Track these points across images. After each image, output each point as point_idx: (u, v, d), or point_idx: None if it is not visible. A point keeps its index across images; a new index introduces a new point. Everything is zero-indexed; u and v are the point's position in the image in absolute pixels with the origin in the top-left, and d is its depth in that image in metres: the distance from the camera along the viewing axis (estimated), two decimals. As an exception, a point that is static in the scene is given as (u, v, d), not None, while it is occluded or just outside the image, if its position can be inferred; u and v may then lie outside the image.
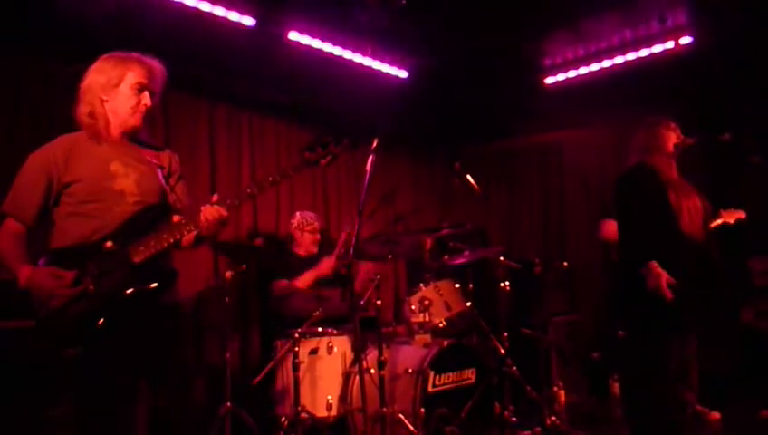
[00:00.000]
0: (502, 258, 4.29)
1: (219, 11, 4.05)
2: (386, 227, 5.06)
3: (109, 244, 2.13)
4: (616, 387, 4.78)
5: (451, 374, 3.60)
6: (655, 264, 2.84)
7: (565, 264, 5.42)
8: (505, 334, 4.10)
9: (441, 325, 3.92)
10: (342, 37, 4.64)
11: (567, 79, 5.32)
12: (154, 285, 2.15)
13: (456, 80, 5.31)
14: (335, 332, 3.80)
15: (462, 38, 4.69)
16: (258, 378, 3.74)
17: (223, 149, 4.82)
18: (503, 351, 4.02)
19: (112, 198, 2.20)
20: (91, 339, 2.07)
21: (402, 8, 4.00)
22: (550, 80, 5.38)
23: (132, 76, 2.28)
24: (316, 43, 4.55)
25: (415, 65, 5.11)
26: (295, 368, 3.58)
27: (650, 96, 4.93)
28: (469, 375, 3.69)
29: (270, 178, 2.32)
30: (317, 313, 3.71)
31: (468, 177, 4.26)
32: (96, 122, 2.26)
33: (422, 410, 3.38)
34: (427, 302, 3.88)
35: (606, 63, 5.09)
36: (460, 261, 4.16)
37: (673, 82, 4.92)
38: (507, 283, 4.28)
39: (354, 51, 4.78)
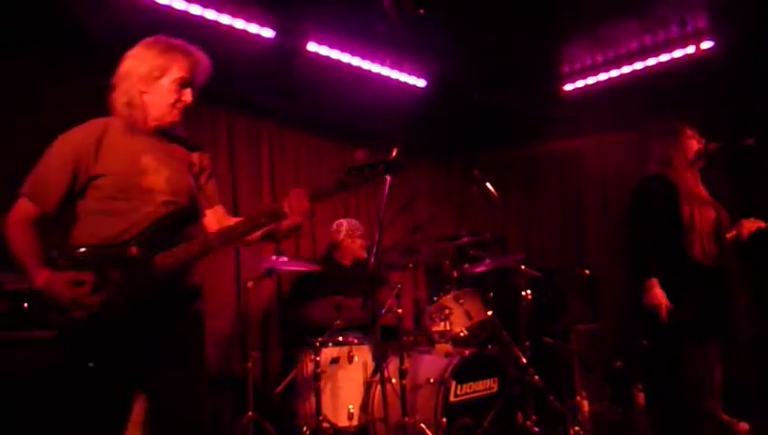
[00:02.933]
0: (522, 266, 4.26)
1: (239, 23, 4.11)
2: (405, 236, 5.06)
3: (134, 250, 2.01)
4: (640, 397, 4.70)
5: (473, 384, 3.58)
6: (655, 282, 2.85)
7: (586, 271, 5.36)
8: (527, 343, 4.07)
9: (462, 334, 3.91)
10: (360, 47, 4.67)
11: (586, 85, 5.29)
12: (180, 298, 2.08)
13: (475, 87, 5.31)
14: (356, 341, 3.80)
15: (480, 46, 4.70)
16: (280, 387, 3.76)
17: (243, 160, 4.86)
18: (524, 360, 3.98)
19: (141, 196, 2.05)
20: (112, 351, 1.97)
21: (420, 17, 4.02)
22: (569, 86, 5.36)
23: (176, 70, 2.11)
24: (335, 54, 4.59)
25: (433, 74, 5.12)
26: (316, 377, 3.58)
27: (671, 102, 4.88)
28: (491, 385, 3.67)
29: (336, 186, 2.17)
30: (338, 322, 3.72)
31: (487, 184, 4.25)
32: (132, 113, 2.10)
33: (444, 419, 3.36)
34: (447, 311, 3.87)
35: (625, 69, 5.05)
36: (480, 269, 4.14)
37: (695, 87, 4.86)
38: (528, 291, 4.25)
39: (372, 61, 4.81)
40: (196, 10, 3.95)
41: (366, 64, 4.78)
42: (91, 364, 1.94)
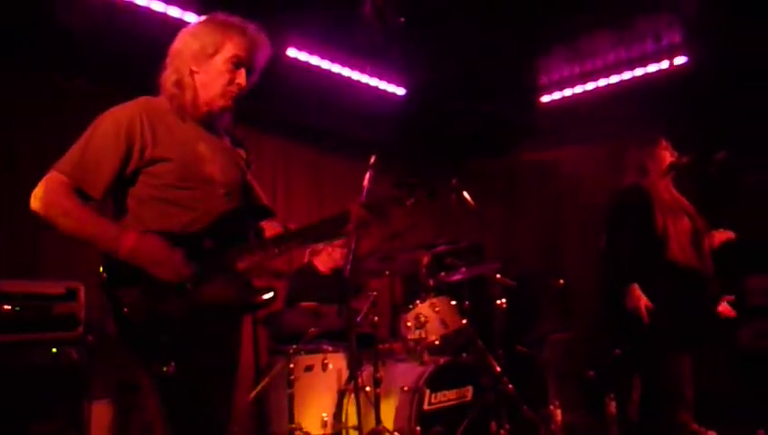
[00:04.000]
0: (498, 275, 4.28)
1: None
2: (382, 243, 5.06)
3: (208, 242, 1.80)
4: (612, 406, 4.75)
5: (447, 392, 3.57)
6: (636, 286, 2.90)
7: (561, 281, 5.41)
8: (501, 352, 4.08)
9: (437, 343, 3.90)
10: (340, 54, 4.68)
11: (563, 97, 5.36)
12: (269, 295, 1.86)
13: (453, 97, 5.34)
14: (331, 348, 3.78)
15: (459, 56, 4.74)
16: (252, 394, 3.71)
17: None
18: (498, 369, 3.99)
19: (203, 186, 1.85)
20: (182, 349, 1.71)
21: (401, 26, 4.04)
22: (547, 98, 5.42)
23: (230, 48, 1.89)
24: (315, 60, 4.58)
25: (412, 83, 5.14)
26: (290, 384, 3.55)
27: (646, 115, 4.96)
28: (465, 393, 3.67)
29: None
30: (313, 329, 3.69)
31: (465, 193, 4.26)
32: (183, 94, 1.88)
33: (418, 428, 3.35)
34: (423, 319, 3.87)
35: (602, 82, 5.14)
36: (456, 278, 4.15)
37: (668, 100, 4.96)
38: (503, 300, 4.26)
39: (352, 68, 4.81)
40: (174, 12, 3.92)
41: (345, 71, 4.78)
42: (167, 369, 1.69)
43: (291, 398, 3.54)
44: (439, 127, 5.78)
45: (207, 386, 1.81)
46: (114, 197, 1.84)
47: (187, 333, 1.73)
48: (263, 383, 3.73)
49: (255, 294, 1.85)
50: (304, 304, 3.91)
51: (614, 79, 5.05)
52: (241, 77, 1.92)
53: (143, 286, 1.71)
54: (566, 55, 5.04)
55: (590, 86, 5.20)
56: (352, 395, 3.47)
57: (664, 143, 3.21)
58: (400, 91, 5.17)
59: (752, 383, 4.62)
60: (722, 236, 3.24)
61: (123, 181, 1.81)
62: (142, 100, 1.90)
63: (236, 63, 1.91)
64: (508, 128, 5.74)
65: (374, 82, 5.00)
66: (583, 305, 5.59)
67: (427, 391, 3.46)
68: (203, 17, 1.97)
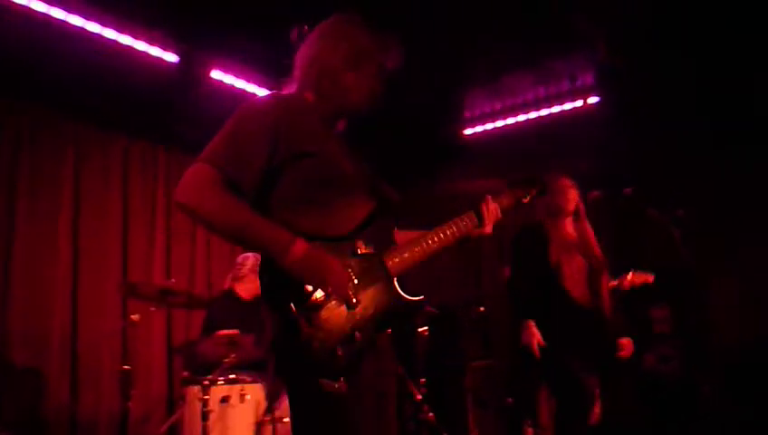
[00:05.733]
0: (420, 304, 4.31)
1: (141, 45, 3.97)
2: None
3: (362, 244, 1.68)
4: (530, 432, 4.85)
5: (367, 422, 3.53)
6: (531, 323, 3.05)
7: (481, 308, 5.52)
8: (423, 380, 4.10)
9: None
10: (265, 78, 4.65)
11: (485, 131, 5.54)
12: (419, 298, 1.76)
13: (379, 126, 5.40)
14: (249, 379, 3.66)
15: (386, 87, 4.81)
16: (163, 428, 3.54)
17: (137, 186, 4.66)
18: (419, 397, 4.00)
19: (348, 185, 1.74)
20: (352, 365, 1.59)
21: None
22: (469, 131, 5.59)
23: (385, 58, 1.83)
24: (240, 84, 4.54)
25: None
26: (204, 417, 3.40)
27: (561, 150, 5.20)
28: (385, 422, 3.64)
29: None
30: (229, 358, 3.57)
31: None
32: (332, 92, 1.78)
33: (337, 459, 3.29)
34: (344, 347, 3.83)
35: (521, 118, 5.35)
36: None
37: (581, 137, 5.22)
38: (425, 328, 4.30)
39: (278, 93, 4.79)
40: (93, 27, 3.79)
41: (271, 96, 4.75)
42: (336, 385, 1.56)
43: (205, 431, 3.39)
44: (365, 157, 5.81)
45: (369, 406, 1.68)
46: (255, 196, 1.64)
47: (355, 347, 1.60)
48: (175, 416, 3.57)
49: (407, 300, 1.75)
50: (222, 332, 3.79)
51: (532, 115, 5.28)
52: (382, 88, 1.85)
53: (305, 297, 1.56)
54: (488, 92, 5.24)
55: (510, 121, 5.41)
56: (270, 427, 3.37)
57: (567, 182, 3.37)
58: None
59: (655, 405, 4.85)
60: (639, 278, 3.42)
61: (268, 178, 1.65)
62: (276, 94, 1.81)
63: (384, 75, 1.84)
64: (433, 159, 5.86)
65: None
66: (502, 333, 5.71)
67: (347, 422, 3.41)
68: (349, 17, 1.85)
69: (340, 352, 1.56)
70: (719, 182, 4.81)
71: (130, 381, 3.55)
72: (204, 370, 3.61)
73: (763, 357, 4.48)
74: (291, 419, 1.70)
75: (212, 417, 3.46)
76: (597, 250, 3.31)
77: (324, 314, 1.57)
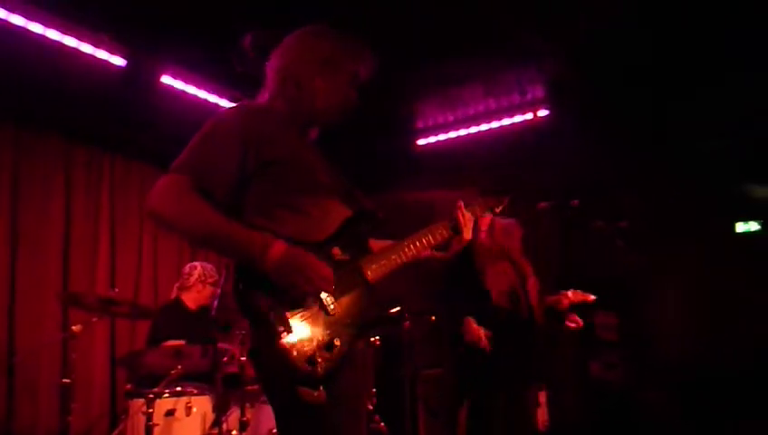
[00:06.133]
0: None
1: (86, 48, 3.86)
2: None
3: (338, 251, 1.65)
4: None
5: (317, 433, 3.50)
6: (471, 320, 3.10)
7: (433, 317, 5.54)
8: (374, 390, 4.09)
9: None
10: (217, 84, 4.58)
11: (437, 141, 5.60)
12: (396, 310, 1.78)
13: (330, 134, 5.40)
14: (195, 391, 3.57)
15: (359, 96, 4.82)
16: (105, 443, 3.42)
17: (80, 192, 4.52)
18: (371, 407, 3.99)
19: (322, 192, 1.72)
20: (328, 373, 1.55)
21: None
22: (422, 141, 5.64)
23: (358, 67, 1.83)
24: (191, 89, 4.46)
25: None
26: (148, 431, 3.30)
27: (511, 162, 5.30)
28: (336, 433, 3.61)
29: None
30: (176, 370, 3.48)
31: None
32: (300, 96, 1.77)
33: (285, 472, 3.24)
34: (294, 357, 3.79)
35: (473, 129, 5.43)
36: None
37: (531, 149, 5.34)
38: (377, 337, 4.29)
39: (230, 100, 4.72)
40: (36, 28, 3.66)
41: (223, 102, 4.68)
42: (316, 395, 1.52)
43: (148, 446, 3.29)
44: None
45: (346, 418, 1.62)
46: (229, 205, 1.62)
47: (334, 355, 1.56)
48: (117, 431, 3.45)
49: (384, 308, 1.74)
50: (169, 343, 3.69)
51: (484, 127, 5.37)
52: (354, 98, 1.85)
53: (284, 301, 1.54)
54: (441, 103, 5.31)
55: (462, 132, 5.48)
56: (217, 440, 3.30)
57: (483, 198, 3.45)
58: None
59: (600, 412, 4.97)
60: (578, 297, 3.48)
61: (241, 186, 1.64)
62: (247, 103, 1.81)
63: (355, 84, 1.84)
64: (385, 168, 5.88)
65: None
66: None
67: None
68: (319, 27, 1.85)
69: (319, 360, 1.53)
70: (664, 194, 4.99)
71: (70, 394, 3.39)
72: (149, 382, 3.51)
73: (704, 365, 4.65)
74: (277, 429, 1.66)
75: (156, 431, 3.36)
76: (521, 257, 3.40)
77: (302, 319, 1.54)
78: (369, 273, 1.71)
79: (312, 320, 1.55)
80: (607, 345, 5.25)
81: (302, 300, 1.56)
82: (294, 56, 1.81)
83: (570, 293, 3.45)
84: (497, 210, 2.20)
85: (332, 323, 1.58)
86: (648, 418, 4.67)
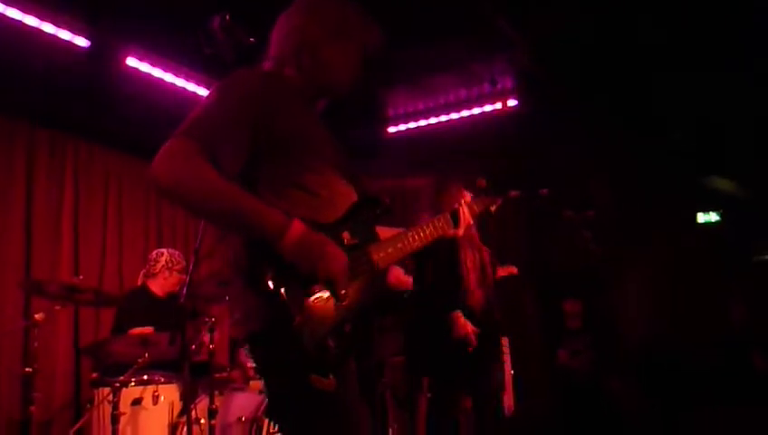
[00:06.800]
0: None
1: (48, 27, 3.74)
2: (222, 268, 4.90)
3: (347, 235, 1.58)
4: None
5: (286, 421, 3.49)
6: (459, 314, 3.11)
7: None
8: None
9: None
10: (184, 67, 4.49)
11: (408, 129, 5.60)
12: (407, 295, 1.72)
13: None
14: (163, 379, 3.53)
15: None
16: (70, 433, 3.36)
17: (42, 176, 4.39)
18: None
19: (331, 172, 1.64)
20: (339, 359, 1.52)
21: (251, 46, 3.96)
22: (392, 129, 5.63)
23: (368, 40, 1.77)
24: (157, 72, 4.35)
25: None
26: (114, 420, 3.24)
27: (481, 150, 5.34)
28: (305, 421, 3.61)
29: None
30: (143, 358, 3.42)
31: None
32: (313, 66, 1.69)
33: (255, 460, 3.23)
34: (264, 345, 3.77)
35: (443, 118, 5.45)
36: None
37: (500, 138, 5.38)
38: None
39: (197, 83, 4.63)
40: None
41: (190, 86, 4.59)
42: (328, 382, 1.46)
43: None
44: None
45: (352, 400, 1.60)
46: (234, 177, 1.49)
47: (344, 340, 1.51)
48: (82, 420, 3.39)
49: (393, 295, 1.70)
50: (136, 330, 3.63)
51: (454, 115, 5.39)
52: (361, 72, 1.78)
53: (296, 283, 1.44)
54: (412, 91, 5.31)
55: (432, 121, 5.49)
56: (185, 429, 3.26)
57: (457, 185, 3.47)
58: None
59: (566, 399, 5.08)
60: (505, 271, 3.56)
61: (251, 160, 1.52)
62: (261, 70, 1.69)
63: (364, 54, 1.77)
64: (356, 155, 5.86)
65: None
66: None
67: (266, 422, 3.35)
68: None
69: (331, 344, 1.48)
70: (632, 184, 5.09)
71: (32, 384, 3.31)
72: (115, 371, 3.45)
73: (667, 352, 4.78)
74: (278, 419, 1.63)
75: (123, 420, 3.31)
76: (481, 245, 3.44)
77: (314, 302, 1.47)
78: (377, 260, 1.65)
79: (324, 305, 1.49)
80: (573, 333, 5.35)
81: (314, 282, 1.48)
82: (309, 20, 1.72)
83: (500, 268, 3.55)
84: (492, 209, 2.25)
85: (343, 309, 1.52)
86: (613, 403, 4.78)
